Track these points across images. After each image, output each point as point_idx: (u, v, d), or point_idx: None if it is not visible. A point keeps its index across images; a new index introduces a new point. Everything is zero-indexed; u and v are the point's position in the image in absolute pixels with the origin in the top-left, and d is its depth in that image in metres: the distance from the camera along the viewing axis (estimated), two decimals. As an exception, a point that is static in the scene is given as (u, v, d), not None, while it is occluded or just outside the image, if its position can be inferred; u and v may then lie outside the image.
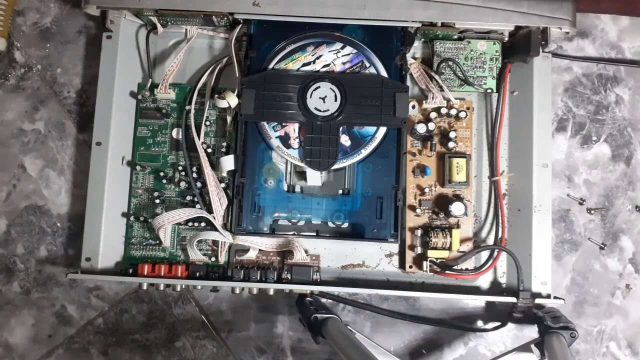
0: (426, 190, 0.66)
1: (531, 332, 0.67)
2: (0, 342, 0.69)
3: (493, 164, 0.67)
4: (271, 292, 0.65)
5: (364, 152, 0.64)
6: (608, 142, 0.71)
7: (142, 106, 0.68)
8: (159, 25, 0.68)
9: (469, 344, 0.69)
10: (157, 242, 0.66)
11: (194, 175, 0.66)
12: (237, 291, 0.64)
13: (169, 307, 0.70)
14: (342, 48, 0.65)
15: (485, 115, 0.69)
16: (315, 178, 0.65)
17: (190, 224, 0.66)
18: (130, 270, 0.65)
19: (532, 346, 0.62)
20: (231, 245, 0.66)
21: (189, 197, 0.67)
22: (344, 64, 0.65)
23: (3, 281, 0.70)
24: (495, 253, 0.65)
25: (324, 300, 0.67)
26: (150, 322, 0.70)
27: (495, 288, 0.67)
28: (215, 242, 0.66)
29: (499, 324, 0.67)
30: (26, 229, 0.70)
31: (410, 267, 0.66)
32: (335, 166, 0.64)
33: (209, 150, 0.67)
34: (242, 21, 0.67)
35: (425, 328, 0.69)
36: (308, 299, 0.65)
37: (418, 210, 0.66)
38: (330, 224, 0.65)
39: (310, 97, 0.64)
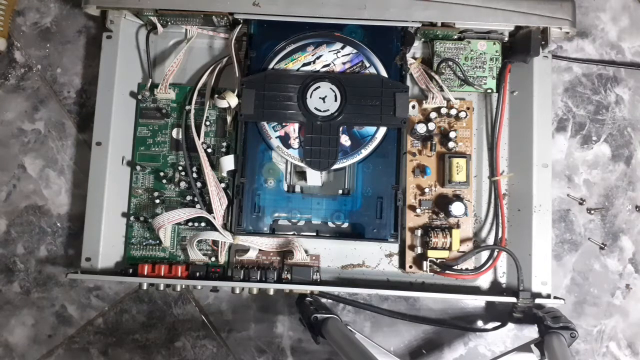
0: (426, 190, 0.66)
1: (531, 332, 0.67)
2: (0, 342, 0.69)
3: (493, 164, 0.67)
4: (271, 292, 0.65)
5: (364, 152, 0.64)
6: (608, 142, 0.71)
7: (142, 106, 0.68)
8: (159, 25, 0.68)
9: (469, 344, 0.69)
10: (157, 242, 0.66)
11: (194, 175, 0.66)
12: (237, 291, 0.64)
13: (169, 307, 0.70)
14: (342, 48, 0.65)
15: (485, 115, 0.69)
16: (315, 178, 0.65)
17: (190, 224, 0.66)
18: (130, 270, 0.65)
19: (532, 346, 0.62)
20: (231, 245, 0.66)
21: (189, 197, 0.67)
22: (344, 64, 0.65)
23: (3, 281, 0.70)
24: (495, 253, 0.65)
25: (324, 300, 0.67)
26: (150, 322, 0.70)
27: (495, 288, 0.67)
28: (215, 242, 0.66)
29: (499, 324, 0.67)
30: (26, 229, 0.70)
31: (410, 267, 0.66)
32: (335, 166, 0.64)
33: (209, 150, 0.67)
34: (242, 21, 0.67)
35: (425, 328, 0.69)
36: (308, 299, 0.65)
37: (418, 210, 0.66)
38: (330, 224, 0.65)
39: (310, 97, 0.64)
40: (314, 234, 0.65)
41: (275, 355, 0.69)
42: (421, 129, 0.65)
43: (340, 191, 0.66)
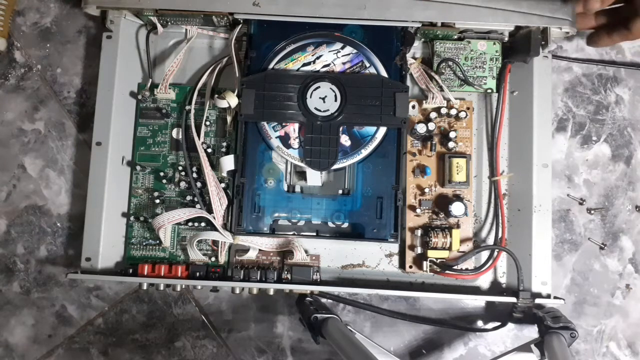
0: (426, 190, 0.66)
1: (531, 332, 0.67)
2: (0, 342, 0.69)
3: (493, 164, 0.67)
4: (271, 292, 0.65)
5: (364, 152, 0.64)
6: (608, 142, 0.71)
7: (142, 106, 0.68)
8: (159, 25, 0.68)
9: (469, 344, 0.69)
10: (157, 242, 0.66)
11: (194, 175, 0.66)
12: (237, 291, 0.64)
13: (169, 307, 0.70)
14: (342, 48, 0.65)
15: (485, 115, 0.69)
16: (315, 178, 0.65)
17: (190, 224, 0.66)
18: (130, 270, 0.65)
19: (532, 346, 0.62)
20: (231, 245, 0.66)
21: (189, 197, 0.67)
22: (344, 64, 0.65)
23: (3, 281, 0.70)
24: (495, 253, 0.65)
25: (324, 300, 0.67)
26: (150, 322, 0.70)
27: (495, 288, 0.67)
28: (215, 242, 0.66)
29: (499, 324, 0.67)
30: (26, 229, 0.70)
31: (410, 267, 0.66)
32: (335, 166, 0.64)
33: (209, 150, 0.67)
34: (242, 21, 0.67)
35: (425, 328, 0.69)
36: (308, 299, 0.65)
37: (418, 210, 0.66)
38: (330, 224, 0.65)
39: (310, 97, 0.64)
40: (314, 234, 0.65)
41: (275, 355, 0.69)
42: (421, 129, 0.65)
43: (340, 191, 0.66)
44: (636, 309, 0.69)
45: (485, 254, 0.66)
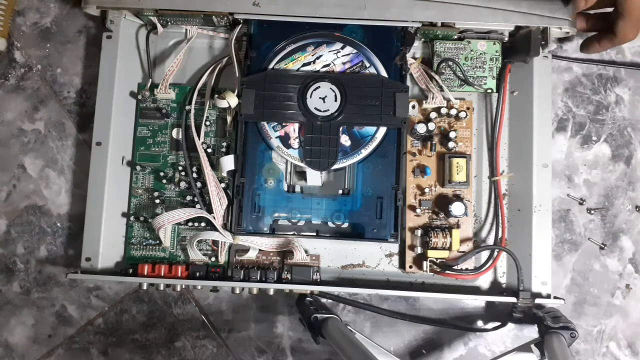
0: (426, 190, 0.66)
1: (531, 332, 0.67)
2: (0, 342, 0.69)
3: (493, 164, 0.67)
4: (271, 292, 0.65)
5: (364, 152, 0.64)
6: (608, 142, 0.71)
7: (142, 106, 0.68)
8: (159, 25, 0.68)
9: (469, 344, 0.69)
10: (157, 242, 0.66)
11: (194, 175, 0.66)
12: (237, 291, 0.64)
13: (169, 307, 0.70)
14: (342, 48, 0.65)
15: (485, 115, 0.69)
16: (315, 178, 0.65)
17: (190, 224, 0.66)
18: (130, 270, 0.65)
19: (532, 346, 0.62)
20: (231, 245, 0.66)
21: (189, 197, 0.67)
22: (344, 64, 0.65)
23: (3, 281, 0.70)
24: (495, 253, 0.65)
25: (324, 300, 0.67)
26: (150, 322, 0.70)
27: (495, 288, 0.67)
28: (215, 242, 0.66)
29: (499, 324, 0.67)
30: (26, 229, 0.70)
31: (410, 267, 0.66)
32: (335, 166, 0.64)
33: (209, 150, 0.67)
34: (242, 21, 0.67)
35: (425, 328, 0.69)
36: (308, 299, 0.65)
37: (418, 210, 0.66)
38: (330, 224, 0.65)
39: (310, 97, 0.64)
40: (314, 234, 0.65)
41: (275, 355, 0.69)
42: (421, 129, 0.65)
43: (340, 191, 0.66)
44: (636, 309, 0.69)
45: (485, 254, 0.66)
